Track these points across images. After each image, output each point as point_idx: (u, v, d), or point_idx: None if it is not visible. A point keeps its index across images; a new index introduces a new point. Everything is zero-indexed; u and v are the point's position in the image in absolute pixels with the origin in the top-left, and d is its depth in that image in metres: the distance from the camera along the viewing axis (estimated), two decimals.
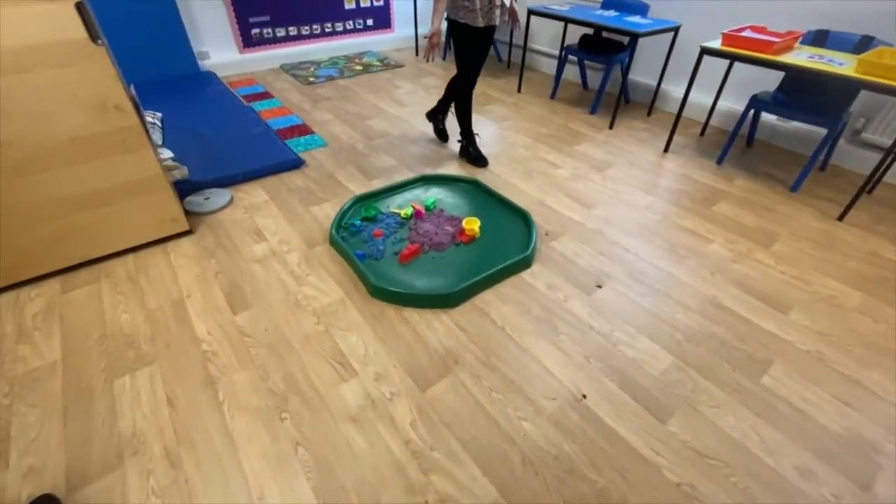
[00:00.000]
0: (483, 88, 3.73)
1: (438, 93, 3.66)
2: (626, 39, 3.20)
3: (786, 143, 2.83)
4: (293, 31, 4.20)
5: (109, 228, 1.79)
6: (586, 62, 3.69)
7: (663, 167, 2.59)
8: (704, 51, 2.36)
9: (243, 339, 1.50)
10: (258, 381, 1.37)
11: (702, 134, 2.98)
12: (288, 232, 2.02)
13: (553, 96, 3.55)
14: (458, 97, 2.50)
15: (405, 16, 4.76)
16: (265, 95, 3.52)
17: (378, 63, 4.33)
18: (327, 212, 2.16)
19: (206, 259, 1.85)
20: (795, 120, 2.27)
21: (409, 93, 3.63)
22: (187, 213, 2.12)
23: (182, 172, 2.21)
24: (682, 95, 3.20)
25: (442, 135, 2.86)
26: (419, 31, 4.75)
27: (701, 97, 3.10)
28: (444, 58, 4.53)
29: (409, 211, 2.10)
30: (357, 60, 4.40)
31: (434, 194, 2.27)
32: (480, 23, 2.14)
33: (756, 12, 2.71)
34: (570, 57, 3.51)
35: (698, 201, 2.27)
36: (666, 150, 2.76)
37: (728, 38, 2.30)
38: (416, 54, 4.64)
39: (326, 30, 4.40)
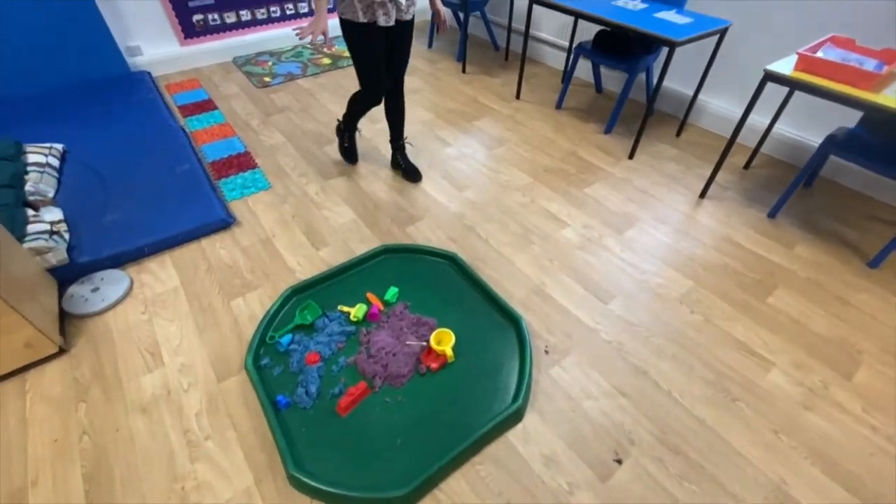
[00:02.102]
0: (475, 93, 3.05)
1: (420, 98, 3.00)
2: None
3: (854, 184, 2.22)
4: (246, 15, 3.46)
5: None
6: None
7: (700, 224, 2.00)
8: (770, 77, 1.71)
9: None
10: None
11: (746, 167, 2.36)
12: (194, 348, 1.49)
13: (559, 105, 2.88)
14: (356, 100, 2.12)
15: None
16: (207, 106, 2.88)
17: None
18: (253, 309, 1.62)
19: (74, 405, 1.34)
20: (888, 177, 1.67)
21: None
22: (66, 314, 1.59)
23: (58, 256, 1.66)
24: (720, 108, 2.56)
25: (350, 155, 2.39)
26: None
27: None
28: (429, 45, 3.79)
29: (363, 310, 1.56)
30: (325, 50, 3.68)
31: (397, 277, 1.71)
32: (361, 17, 1.74)
33: (833, 8, 2.02)
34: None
35: (750, 287, 1.71)
36: (703, 194, 2.15)
37: (805, 62, 1.66)
38: None
39: (288, 11, 3.65)
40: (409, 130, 2.63)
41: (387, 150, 2.46)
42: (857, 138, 1.81)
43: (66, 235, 1.78)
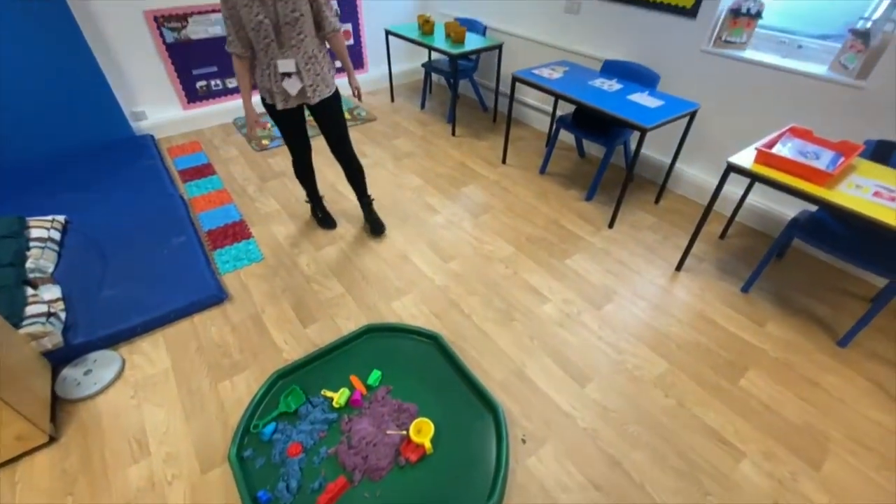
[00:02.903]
0: (463, 157, 3.19)
1: (411, 162, 3.14)
2: None
3: (825, 256, 2.31)
4: None
5: None
6: None
7: (676, 299, 2.07)
8: (732, 169, 1.83)
9: None
10: None
11: (722, 236, 2.46)
12: (180, 436, 1.53)
13: (543, 170, 3.01)
14: (294, 169, 2.33)
15: (379, 54, 4.19)
16: (206, 171, 3.00)
17: (347, 115, 3.78)
18: (239, 392, 1.67)
19: (61, 498, 1.37)
20: (848, 262, 1.76)
21: (376, 164, 3.10)
22: (58, 399, 1.64)
23: (54, 340, 1.72)
24: (696, 176, 2.68)
25: (327, 222, 2.52)
26: (393, 69, 4.19)
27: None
28: (422, 106, 3.97)
29: (345, 396, 1.61)
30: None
31: (380, 358, 1.77)
32: (267, 99, 1.99)
33: (795, 94, 2.16)
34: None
35: (722, 369, 1.77)
36: (679, 267, 2.24)
37: (763, 157, 1.77)
38: (392, 100, 4.08)
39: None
40: (400, 197, 2.76)
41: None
42: (818, 223, 1.91)
43: (63, 315, 1.84)
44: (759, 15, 2.22)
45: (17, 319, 1.69)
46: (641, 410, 1.62)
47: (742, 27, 2.25)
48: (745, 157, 1.83)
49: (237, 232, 2.45)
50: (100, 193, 2.64)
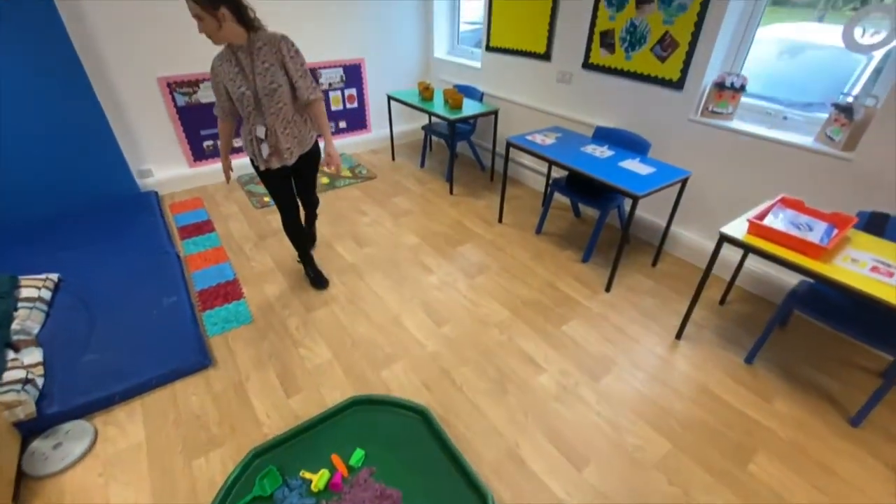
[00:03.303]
0: (460, 216, 3.22)
1: (409, 220, 3.16)
2: None
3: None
4: None
5: None
6: None
7: (676, 370, 1.99)
8: (725, 239, 1.81)
9: None
10: None
11: (722, 302, 2.41)
12: None
13: (539, 230, 3.02)
14: (284, 228, 2.37)
15: (382, 116, 4.36)
16: (205, 227, 3.03)
17: (348, 173, 3.88)
18: (213, 471, 1.57)
19: None
20: (850, 337, 1.69)
21: (374, 223, 3.13)
22: (24, 476, 1.55)
23: (27, 409, 1.65)
24: (692, 239, 2.68)
25: (319, 281, 2.50)
26: (395, 130, 4.34)
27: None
28: (421, 165, 4.08)
29: (325, 479, 1.50)
30: (325, 169, 3.96)
31: (364, 433, 1.68)
32: (254, 161, 2.10)
33: (784, 163, 2.19)
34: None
35: (728, 451, 1.66)
36: (679, 335, 2.17)
37: (755, 228, 1.76)
38: (393, 158, 4.20)
39: None
40: (397, 257, 2.76)
41: (371, 278, 2.55)
42: (818, 295, 1.86)
43: (40, 382, 1.79)
44: (742, 89, 2.30)
45: None
46: (643, 499, 1.50)
47: (727, 100, 2.33)
48: (738, 228, 1.82)
49: (229, 292, 2.43)
50: (97, 251, 2.65)
